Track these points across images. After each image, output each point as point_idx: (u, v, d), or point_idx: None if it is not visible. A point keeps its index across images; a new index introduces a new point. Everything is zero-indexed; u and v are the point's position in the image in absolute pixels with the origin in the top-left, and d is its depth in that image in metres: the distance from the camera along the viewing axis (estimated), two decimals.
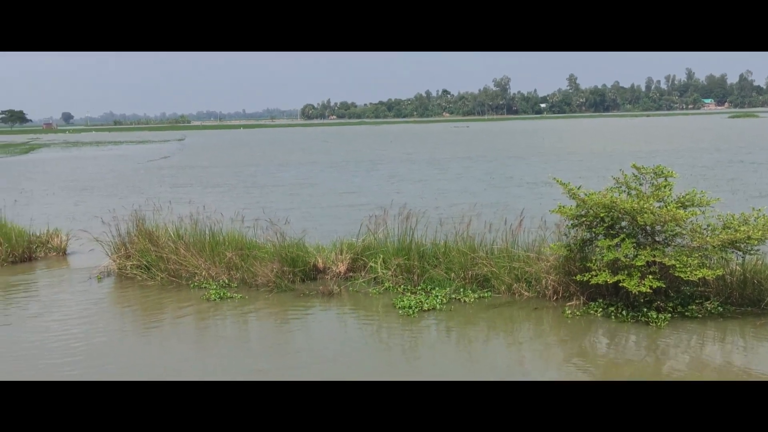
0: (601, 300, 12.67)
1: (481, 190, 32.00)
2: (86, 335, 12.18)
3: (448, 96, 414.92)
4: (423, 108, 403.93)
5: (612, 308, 12.36)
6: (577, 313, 12.49)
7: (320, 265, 15.18)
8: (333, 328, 12.49)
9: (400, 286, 14.27)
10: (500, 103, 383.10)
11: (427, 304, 13.13)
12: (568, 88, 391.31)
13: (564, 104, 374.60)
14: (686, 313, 12.02)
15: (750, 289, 12.42)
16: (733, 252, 12.21)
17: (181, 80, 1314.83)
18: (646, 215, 11.80)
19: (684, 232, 12.30)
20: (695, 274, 11.50)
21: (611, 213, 12.26)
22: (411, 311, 12.81)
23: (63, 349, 11.50)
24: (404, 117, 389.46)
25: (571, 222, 12.99)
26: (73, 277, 16.49)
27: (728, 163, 43.05)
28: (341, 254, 15.21)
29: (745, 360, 10.36)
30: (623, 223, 12.53)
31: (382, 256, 14.80)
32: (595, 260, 12.44)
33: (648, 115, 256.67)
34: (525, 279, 13.63)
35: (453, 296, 13.57)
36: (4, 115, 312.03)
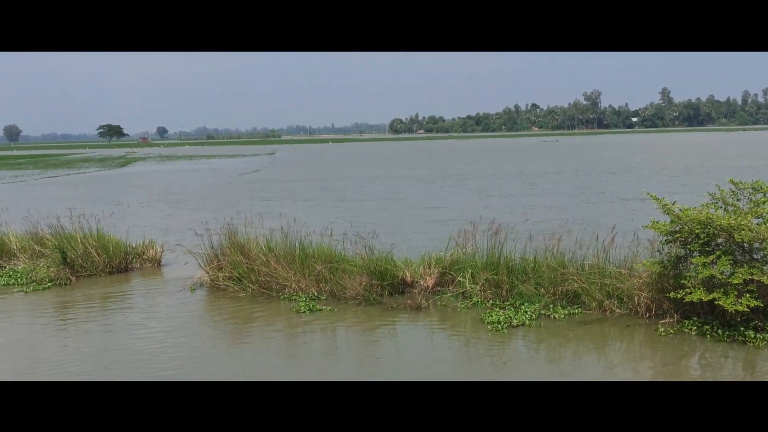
0: (695, 318, 12.35)
1: (572, 206, 31.58)
2: (179, 345, 12.44)
3: (537, 110, 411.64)
4: (511, 122, 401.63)
5: (707, 327, 12.03)
6: (671, 330, 12.20)
7: (408, 278, 15.21)
8: (421, 342, 12.47)
9: (488, 301, 14.18)
10: (590, 117, 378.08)
11: (516, 319, 13.01)
12: (661, 101, 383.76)
13: (656, 118, 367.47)
14: None
15: None
16: None
17: (272, 96, 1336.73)
18: (743, 232, 11.45)
19: None
20: None
21: (707, 229, 11.94)
22: (500, 326, 12.71)
23: (156, 358, 11.77)
24: (492, 131, 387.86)
25: (665, 238, 12.71)
26: (168, 287, 16.89)
27: None
28: (429, 268, 15.20)
29: None
30: (719, 240, 12.18)
31: (470, 270, 14.73)
32: (690, 277, 12.14)
33: (745, 130, 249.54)
34: (617, 296, 13.38)
35: (542, 312, 13.42)
36: (102, 130, 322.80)
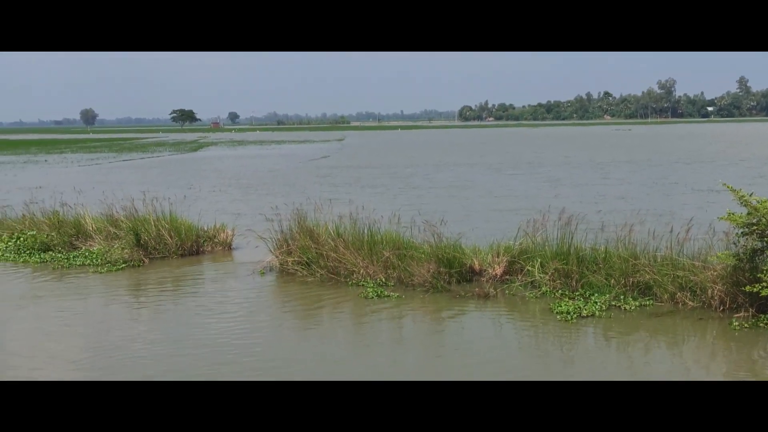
0: None
1: (644, 196, 31.06)
2: (248, 329, 12.59)
3: (610, 98, 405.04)
4: (583, 110, 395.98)
5: None
6: (746, 325, 11.92)
7: (476, 267, 15.14)
8: (488, 330, 12.41)
9: (557, 290, 14.04)
10: (664, 106, 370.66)
11: (585, 310, 12.85)
12: (738, 90, 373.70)
13: (733, 107, 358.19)
14: None
15: None
16: None
17: (342, 82, 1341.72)
18: None
19: None
20: None
21: None
22: (569, 317, 12.57)
23: (224, 341, 11.93)
24: (563, 119, 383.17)
25: (741, 230, 12.41)
26: (238, 271, 17.12)
27: None
28: (498, 257, 15.11)
29: None
30: None
31: (539, 260, 14.60)
32: (767, 271, 11.84)
33: None
34: (689, 288, 13.12)
35: (613, 303, 13.23)
36: (175, 114, 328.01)
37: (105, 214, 19.86)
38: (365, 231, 16.26)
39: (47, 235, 19.50)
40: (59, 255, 18.59)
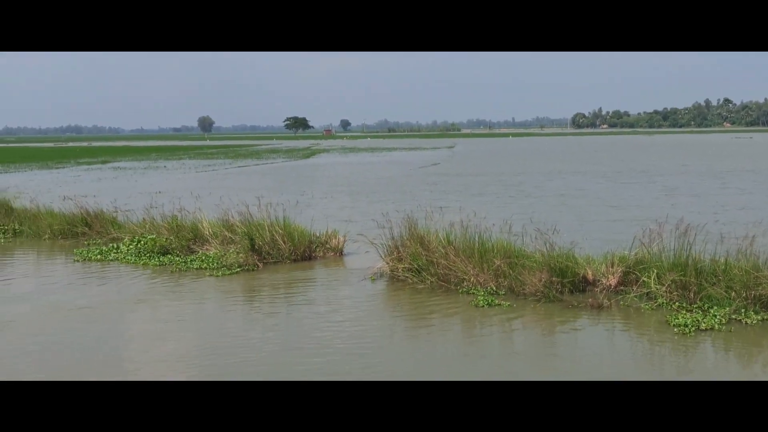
0: None
1: (767, 206, 29.89)
2: (358, 335, 12.67)
3: (729, 105, 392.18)
4: (701, 117, 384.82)
5: None
6: None
7: (590, 276, 14.85)
8: (601, 341, 12.15)
9: (674, 302, 13.62)
10: None
11: (704, 323, 12.43)
12: None
13: None
14: None
15: None
16: None
17: (453, 89, 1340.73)
18: None
19: None
20: None
21: None
22: (687, 330, 12.19)
23: (337, 347, 12.04)
24: (680, 127, 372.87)
25: None
26: (349, 277, 17.28)
27: None
28: (612, 267, 14.79)
29: None
30: None
31: (655, 270, 14.21)
32: None
33: None
34: None
35: (733, 316, 12.75)
36: (288, 122, 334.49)
37: (221, 219, 20.36)
38: (476, 239, 16.16)
39: (166, 238, 20.13)
40: (177, 258, 19.16)
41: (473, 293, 14.91)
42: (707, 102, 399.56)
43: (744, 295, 13.17)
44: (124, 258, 19.58)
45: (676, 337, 11.98)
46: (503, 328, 12.94)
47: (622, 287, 14.57)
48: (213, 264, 18.29)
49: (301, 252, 19.14)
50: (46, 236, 23.67)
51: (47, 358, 11.67)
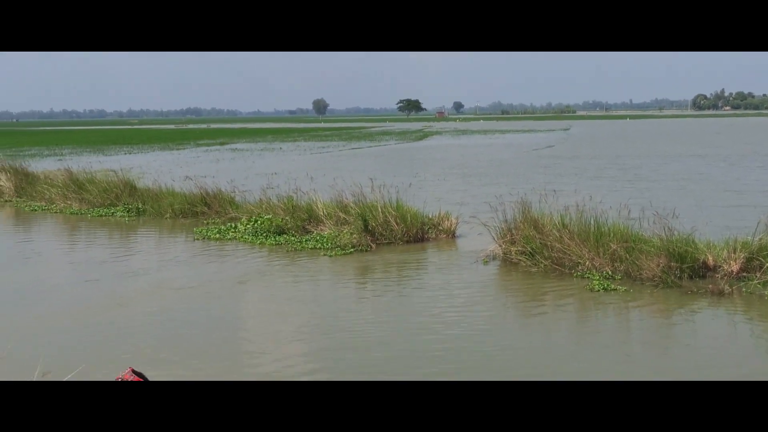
0: None
1: None
2: (470, 318, 12.65)
3: None
4: None
5: None
6: None
7: (710, 262, 14.40)
8: (721, 329, 11.78)
9: None
10: None
11: None
12: None
13: None
14: None
15: None
16: None
17: (568, 70, 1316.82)
18: None
19: None
20: None
21: None
22: None
23: (450, 331, 12.05)
24: None
25: None
26: (461, 259, 17.26)
27: None
28: (734, 252, 14.29)
29: None
30: None
31: None
32: None
33: None
34: None
35: None
36: (401, 104, 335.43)
37: (335, 200, 20.63)
38: (591, 222, 15.89)
39: (282, 219, 20.54)
40: (292, 238, 19.53)
41: (588, 277, 14.68)
42: None
43: None
44: (242, 237, 20.09)
45: None
46: (619, 314, 12.71)
47: (744, 273, 14.07)
48: (327, 244, 18.55)
49: (413, 233, 19.22)
50: (168, 215, 24.49)
51: (168, 334, 12.09)
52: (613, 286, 13.99)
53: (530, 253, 15.97)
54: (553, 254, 15.57)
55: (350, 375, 9.83)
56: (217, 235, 20.47)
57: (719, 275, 14.15)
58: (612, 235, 15.34)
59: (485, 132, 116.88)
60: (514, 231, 16.60)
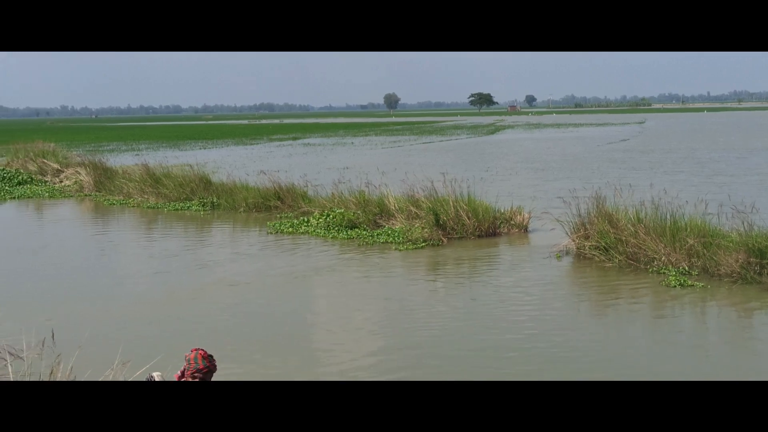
0: None
1: None
2: (543, 313, 12.55)
3: None
4: None
5: None
6: None
7: None
8: None
9: None
10: None
11: None
12: None
13: None
14: None
15: None
16: None
17: (643, 62, 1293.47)
18: None
19: None
20: None
21: None
22: None
23: (523, 326, 11.98)
24: None
25: None
26: (534, 254, 17.11)
27: None
28: None
29: None
30: None
31: None
32: None
33: None
34: None
35: None
36: (473, 98, 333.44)
37: (406, 194, 20.65)
38: (667, 217, 15.59)
39: (354, 213, 20.64)
40: (364, 232, 19.61)
41: (664, 273, 14.41)
42: None
43: None
44: (314, 231, 20.25)
45: None
46: (696, 311, 12.47)
47: None
48: (399, 238, 18.58)
49: (485, 228, 19.12)
50: (242, 209, 24.83)
51: (241, 329, 12.27)
52: (689, 282, 13.71)
53: (604, 248, 15.74)
54: (627, 249, 15.32)
55: (424, 373, 9.83)
56: (290, 229, 20.68)
57: None
58: (689, 230, 15.03)
59: (558, 126, 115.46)
60: (588, 226, 16.39)
